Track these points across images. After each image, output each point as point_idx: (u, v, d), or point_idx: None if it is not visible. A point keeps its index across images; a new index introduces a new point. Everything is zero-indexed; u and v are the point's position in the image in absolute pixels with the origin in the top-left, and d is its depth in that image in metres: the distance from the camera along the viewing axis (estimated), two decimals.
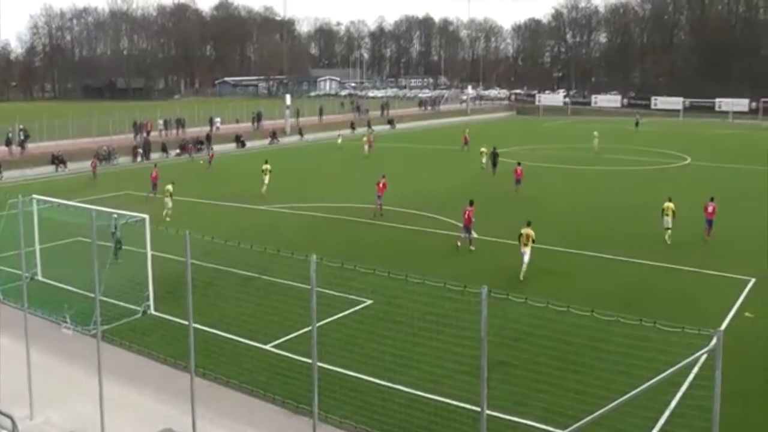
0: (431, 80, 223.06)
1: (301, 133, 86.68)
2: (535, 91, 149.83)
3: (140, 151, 67.47)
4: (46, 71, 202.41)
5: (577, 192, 47.69)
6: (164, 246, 24.83)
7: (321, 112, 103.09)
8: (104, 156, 64.02)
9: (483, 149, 59.40)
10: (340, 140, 76.81)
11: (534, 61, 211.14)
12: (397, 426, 16.14)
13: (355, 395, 17.58)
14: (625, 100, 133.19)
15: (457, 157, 66.38)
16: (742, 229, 36.38)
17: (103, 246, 19.60)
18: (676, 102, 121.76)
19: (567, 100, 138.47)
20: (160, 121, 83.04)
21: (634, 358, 15.34)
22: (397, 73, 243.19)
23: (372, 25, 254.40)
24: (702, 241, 33.82)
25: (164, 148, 69.60)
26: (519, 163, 49.31)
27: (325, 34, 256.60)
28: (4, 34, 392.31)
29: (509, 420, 16.29)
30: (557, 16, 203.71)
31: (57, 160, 61.32)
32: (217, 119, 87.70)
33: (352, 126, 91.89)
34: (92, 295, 15.88)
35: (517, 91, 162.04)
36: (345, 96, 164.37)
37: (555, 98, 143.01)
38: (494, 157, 56.62)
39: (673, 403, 16.72)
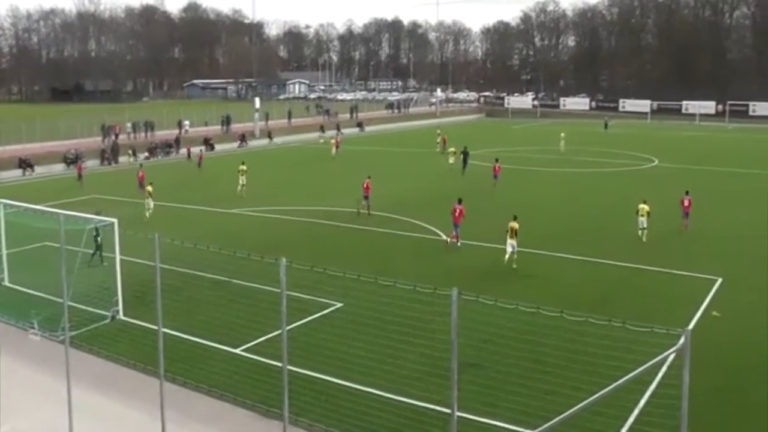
0: (400, 83, 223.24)
1: (270, 136, 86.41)
2: (504, 94, 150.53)
3: (108, 154, 66.89)
4: (13, 73, 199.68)
5: (547, 194, 47.92)
6: (133, 250, 24.67)
7: (290, 115, 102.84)
8: (71, 159, 63.41)
9: (452, 149, 61.51)
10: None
11: (503, 63, 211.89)
12: (368, 429, 16.11)
13: (325, 398, 17.57)
14: (594, 103, 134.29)
15: (427, 160, 66.49)
16: (709, 229, 36.86)
17: (72, 251, 19.39)
18: (643, 105, 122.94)
19: (536, 102, 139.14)
20: (129, 124, 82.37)
21: (604, 358, 15.44)
22: (366, 75, 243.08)
23: (341, 28, 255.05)
24: (670, 241, 34.26)
25: (133, 152, 69.02)
26: (497, 160, 52.65)
27: (294, 36, 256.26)
28: None
29: (480, 421, 16.34)
30: (526, 19, 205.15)
31: (24, 163, 60.67)
32: (186, 122, 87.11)
33: (322, 129, 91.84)
34: (60, 300, 15.74)
35: (486, 93, 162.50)
36: (314, 99, 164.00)
37: (524, 101, 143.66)
38: (465, 156, 58.08)
39: (643, 402, 16.87)
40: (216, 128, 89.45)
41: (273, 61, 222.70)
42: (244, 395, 17.79)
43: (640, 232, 34.23)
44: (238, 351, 20.80)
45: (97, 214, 27.95)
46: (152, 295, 14.97)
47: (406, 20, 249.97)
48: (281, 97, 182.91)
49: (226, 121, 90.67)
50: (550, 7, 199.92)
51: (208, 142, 77.58)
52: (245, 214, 41.54)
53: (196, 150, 69.21)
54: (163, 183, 47.50)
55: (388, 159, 67.98)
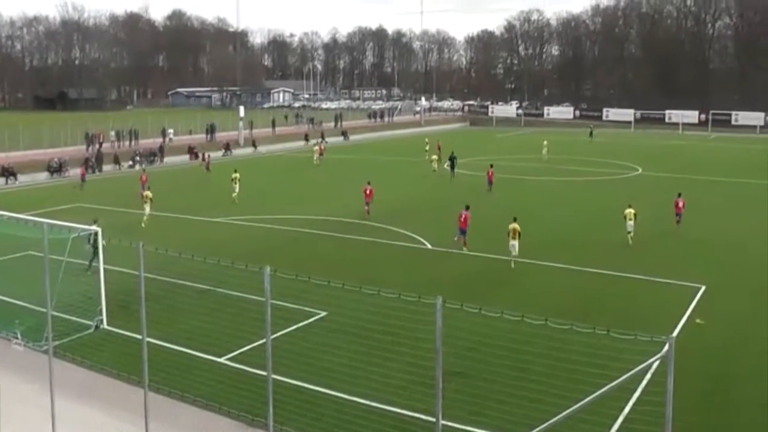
0: (385, 92, 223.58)
1: (254, 144, 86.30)
2: (489, 103, 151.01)
3: (93, 162, 66.62)
4: None
5: (531, 202, 48.00)
6: (118, 259, 24.60)
7: (274, 124, 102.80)
8: (55, 168, 63.14)
9: (434, 156, 63.36)
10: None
11: (487, 72, 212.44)
12: None
13: (310, 407, 17.54)
14: (577, 112, 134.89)
15: (412, 168, 66.49)
16: (692, 237, 37.09)
17: (55, 260, 19.30)
18: (627, 114, 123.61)
19: (520, 111, 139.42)
20: (113, 133, 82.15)
21: (589, 366, 15.50)
22: (350, 84, 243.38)
23: (325, 37, 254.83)
24: (655, 249, 34.52)
25: (116, 160, 68.79)
26: (491, 165, 53.08)
27: (278, 45, 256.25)
28: None
29: (465, 430, 16.36)
30: (510, 28, 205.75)
31: (7, 172, 60.30)
32: (170, 130, 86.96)
33: (306, 138, 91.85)
34: (44, 309, 15.65)
35: (471, 102, 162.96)
36: (298, 107, 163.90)
37: (508, 110, 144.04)
38: (452, 161, 58.83)
39: (627, 409, 16.93)
40: (200, 137, 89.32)
41: (257, 70, 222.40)
42: (229, 405, 17.72)
43: (627, 235, 34.95)
44: (222, 360, 20.73)
45: (95, 222, 28.02)
46: (137, 304, 14.93)
47: (390, 29, 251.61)
48: (266, 105, 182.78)
49: (211, 130, 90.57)
50: (534, 17, 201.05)
51: (192, 151, 77.45)
52: (230, 222, 41.45)
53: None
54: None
55: (374, 168, 67.90)
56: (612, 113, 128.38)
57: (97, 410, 17.89)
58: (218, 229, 39.85)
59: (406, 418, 16.95)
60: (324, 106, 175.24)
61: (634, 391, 17.50)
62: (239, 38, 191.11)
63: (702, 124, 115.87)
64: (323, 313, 23.90)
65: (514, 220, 31.81)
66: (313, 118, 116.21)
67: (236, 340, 21.12)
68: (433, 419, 11.52)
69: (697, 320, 24.12)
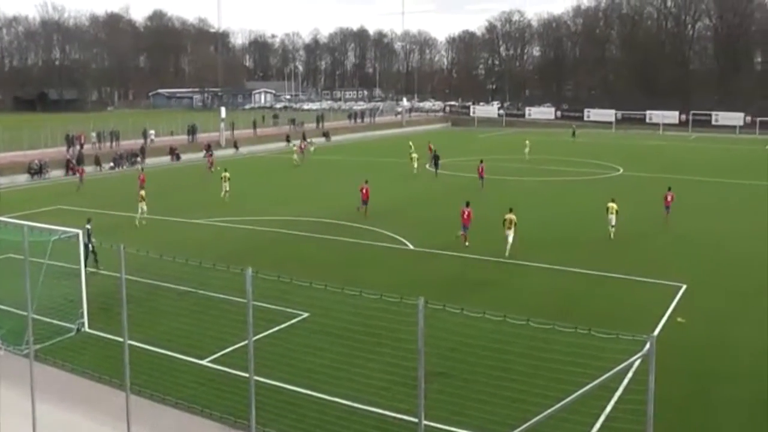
0: (366, 92, 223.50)
1: (236, 146, 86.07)
2: (470, 103, 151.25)
3: (74, 164, 66.22)
4: None
5: (513, 202, 47.82)
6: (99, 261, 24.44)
7: (255, 125, 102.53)
8: (36, 170, 62.74)
9: (415, 155, 63.73)
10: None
11: (468, 73, 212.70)
12: None
13: (292, 408, 17.51)
14: (559, 113, 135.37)
15: (395, 169, 66.36)
16: (673, 236, 37.37)
17: (36, 262, 19.18)
18: (608, 114, 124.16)
19: (501, 111, 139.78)
20: (94, 134, 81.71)
21: (570, 365, 15.54)
22: (332, 85, 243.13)
23: (307, 38, 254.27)
24: (636, 248, 34.75)
25: (97, 161, 68.42)
26: (482, 161, 54.02)
27: (259, 46, 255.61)
28: None
29: (447, 430, 16.38)
30: (491, 28, 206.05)
31: None
32: (151, 132, 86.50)
33: (287, 139, 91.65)
34: (24, 313, 15.55)
35: (452, 102, 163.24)
36: (280, 108, 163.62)
37: (489, 110, 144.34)
38: (435, 159, 59.86)
39: (609, 408, 17.00)
40: (182, 138, 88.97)
41: (239, 71, 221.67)
42: (212, 407, 17.66)
43: (610, 229, 35.80)
44: (204, 362, 20.65)
45: (88, 221, 28.03)
46: (118, 306, 14.85)
47: (371, 30, 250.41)
48: (247, 106, 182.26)
49: (192, 131, 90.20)
50: (516, 17, 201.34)
51: (173, 152, 77.18)
52: (212, 224, 41.31)
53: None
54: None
55: (357, 168, 67.84)
56: (593, 114, 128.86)
57: (78, 414, 17.78)
58: (200, 231, 39.69)
59: (388, 418, 16.95)
60: (305, 107, 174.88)
61: (616, 389, 17.58)
62: (220, 39, 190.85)
63: (682, 124, 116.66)
64: (305, 314, 23.87)
65: (510, 210, 33.14)
66: (294, 119, 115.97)
67: (218, 341, 21.06)
68: (416, 420, 11.51)
69: (679, 319, 24.26)
